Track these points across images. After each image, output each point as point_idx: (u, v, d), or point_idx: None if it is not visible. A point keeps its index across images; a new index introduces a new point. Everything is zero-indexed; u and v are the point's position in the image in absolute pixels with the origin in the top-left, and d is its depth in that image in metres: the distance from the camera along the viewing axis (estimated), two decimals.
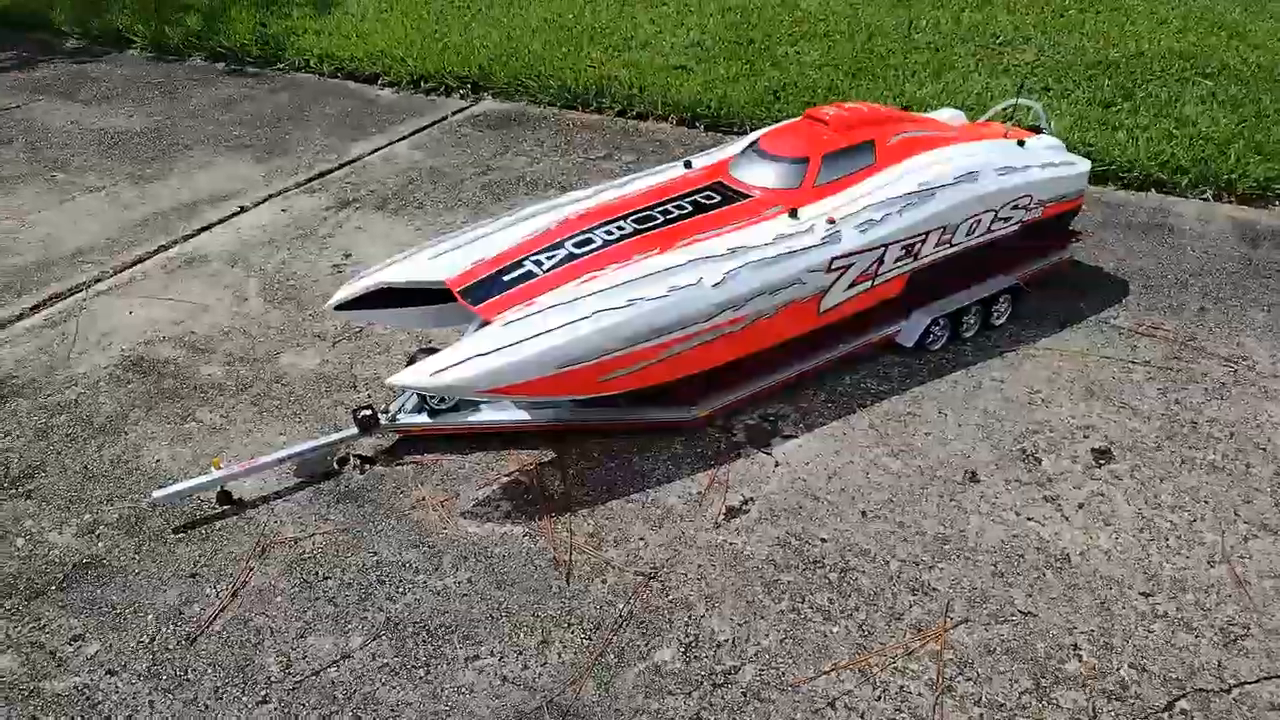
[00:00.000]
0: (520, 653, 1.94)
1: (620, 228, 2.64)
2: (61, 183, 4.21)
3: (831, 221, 2.62)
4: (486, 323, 2.36)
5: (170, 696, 1.86)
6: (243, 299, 3.25)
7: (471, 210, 3.80)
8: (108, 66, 5.77)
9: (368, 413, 2.45)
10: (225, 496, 2.35)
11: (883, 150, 2.83)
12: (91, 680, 1.90)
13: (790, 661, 1.91)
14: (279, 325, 3.08)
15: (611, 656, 1.93)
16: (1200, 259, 3.39)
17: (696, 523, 2.26)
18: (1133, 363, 2.83)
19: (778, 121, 3.20)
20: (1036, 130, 3.38)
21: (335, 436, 2.45)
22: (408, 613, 2.03)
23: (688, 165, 3.00)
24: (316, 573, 2.14)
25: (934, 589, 2.08)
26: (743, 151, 2.91)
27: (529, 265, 2.53)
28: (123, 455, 2.51)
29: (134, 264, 3.50)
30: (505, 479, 2.41)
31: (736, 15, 5.81)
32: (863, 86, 4.68)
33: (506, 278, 2.51)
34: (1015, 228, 2.98)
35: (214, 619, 2.03)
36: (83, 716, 1.83)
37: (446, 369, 2.22)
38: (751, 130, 3.68)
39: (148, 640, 1.98)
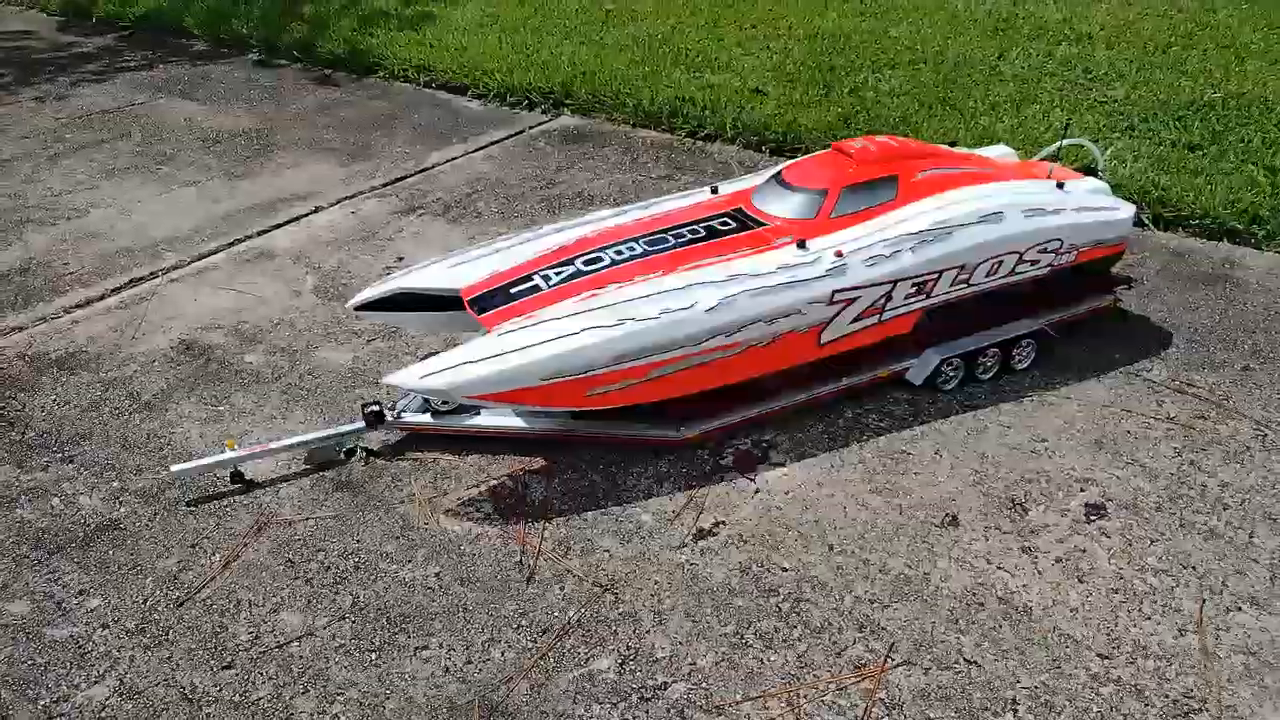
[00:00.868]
0: (467, 647, 2.04)
1: (631, 248, 2.72)
2: (164, 176, 4.57)
3: (839, 254, 2.63)
4: (488, 332, 2.48)
5: (149, 653, 2.04)
6: (296, 294, 3.47)
7: (525, 222, 3.94)
8: (227, 69, 6.21)
9: (375, 409, 2.60)
10: (238, 476, 2.53)
11: (906, 186, 2.82)
12: (86, 631, 2.10)
13: (721, 684, 1.95)
14: (323, 321, 3.28)
15: (551, 660, 2.01)
16: (1259, 315, 3.23)
17: (663, 540, 2.32)
18: (1155, 418, 2.73)
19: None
20: (1091, 172, 3.30)
21: (344, 429, 2.61)
22: (374, 599, 2.16)
23: (714, 191, 3.06)
24: (302, 554, 2.29)
25: (883, 628, 2.07)
26: (766, 181, 2.95)
27: (537, 280, 2.64)
28: (159, 430, 2.74)
29: (208, 255, 3.78)
30: (493, 482, 2.52)
31: (824, 41, 5.81)
32: (937, 118, 4.63)
33: (513, 290, 2.63)
34: (1044, 271, 2.91)
35: (203, 587, 2.20)
36: (71, 662, 2.02)
37: (436, 373, 2.35)
38: None
39: (142, 601, 2.17)
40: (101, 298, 3.48)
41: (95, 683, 1.98)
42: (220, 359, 3.08)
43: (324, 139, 5.01)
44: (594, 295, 2.53)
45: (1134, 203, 3.85)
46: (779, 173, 2.95)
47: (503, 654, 2.03)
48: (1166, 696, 1.92)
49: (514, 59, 5.69)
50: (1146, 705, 1.90)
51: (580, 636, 2.06)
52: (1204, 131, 4.42)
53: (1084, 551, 2.28)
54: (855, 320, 2.68)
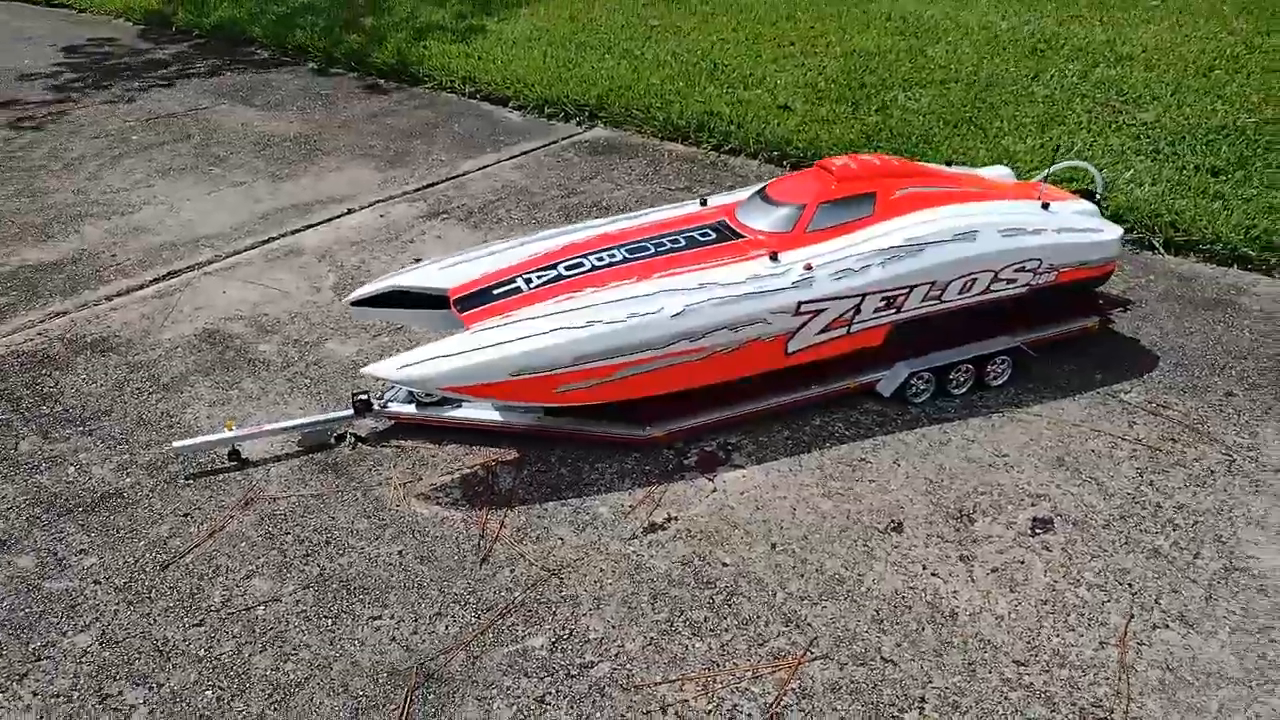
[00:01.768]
0: (416, 619, 2.20)
1: (612, 255, 2.86)
2: (214, 176, 4.87)
3: (809, 267, 2.73)
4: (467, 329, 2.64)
5: (131, 609, 2.24)
6: (316, 290, 3.70)
7: (542, 228, 4.09)
8: (287, 77, 6.55)
9: (364, 397, 2.79)
10: (235, 454, 2.74)
11: (884, 203, 2.90)
12: (80, 586, 2.31)
13: (644, 666, 2.07)
14: (336, 316, 3.49)
15: (490, 635, 2.15)
16: (1252, 342, 3.22)
17: (615, 532, 2.44)
18: (1123, 439, 2.76)
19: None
20: (1090, 194, 3.32)
21: (334, 415, 2.80)
22: (338, 571, 2.33)
23: (703, 203, 3.18)
24: (281, 527, 2.48)
25: (808, 624, 2.16)
26: (751, 195, 3.06)
27: (519, 282, 2.80)
28: (171, 410, 2.97)
29: (242, 251, 4.04)
30: (465, 470, 2.67)
31: (859, 59, 5.87)
32: (960, 136, 4.66)
33: (496, 291, 2.79)
34: (1023, 290, 2.96)
35: (188, 553, 2.40)
36: (63, 611, 2.23)
37: (412, 364, 2.52)
38: None
39: (132, 562, 2.38)
40: (140, 287, 3.75)
41: (81, 631, 2.19)
42: (237, 347, 3.31)
43: (367, 145, 5.26)
44: (569, 298, 2.68)
45: (1147, 226, 3.87)
46: (764, 187, 3.05)
47: (447, 627, 2.17)
48: (1074, 705, 1.97)
49: (555, 72, 5.88)
50: (1053, 711, 1.96)
51: (521, 615, 2.20)
52: (1230, 156, 4.36)
53: (1022, 563, 2.33)
54: (823, 331, 2.77)
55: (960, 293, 2.88)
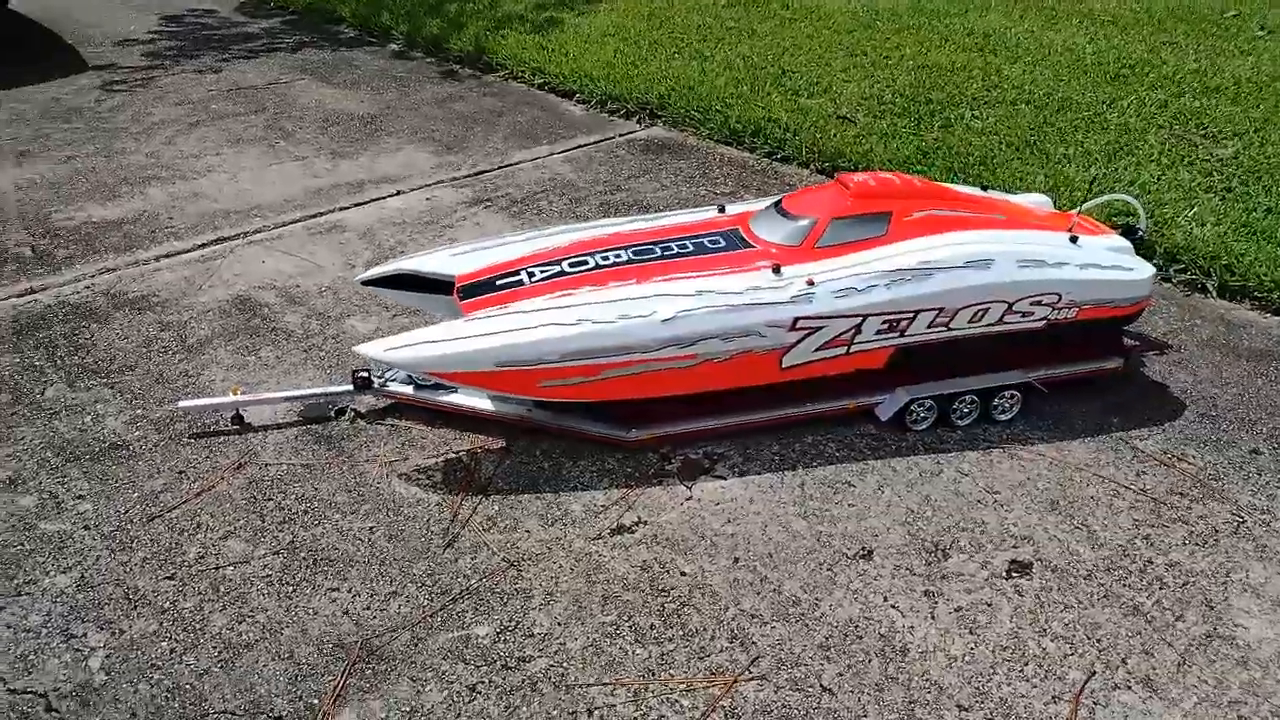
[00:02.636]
0: (372, 596, 2.25)
1: (618, 255, 2.87)
2: (279, 149, 5.04)
3: (811, 283, 2.69)
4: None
5: (112, 556, 2.35)
6: (350, 266, 3.80)
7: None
8: (368, 57, 6.72)
9: (365, 375, 2.86)
10: (238, 418, 2.84)
11: (899, 224, 2.84)
12: (70, 529, 2.44)
13: (580, 666, 2.08)
14: (364, 293, 3.58)
15: (439, 619, 2.19)
16: None
17: (582, 530, 2.46)
18: (1127, 488, 2.65)
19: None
20: (1132, 230, 3.20)
21: (334, 389, 2.88)
22: (309, 541, 2.40)
23: (721, 210, 3.16)
24: (265, 492, 2.57)
25: (754, 643, 2.14)
26: (767, 206, 3.03)
27: (523, 274, 2.83)
28: (190, 370, 3.10)
29: (288, 224, 4.17)
30: (451, 455, 2.72)
31: (932, 74, 5.74)
32: (1020, 160, 4.52)
33: (499, 282, 2.82)
34: (1038, 324, 2.86)
35: (175, 508, 2.51)
36: (51, 552, 2.35)
37: (399, 347, 2.57)
38: None
39: (122, 512, 2.49)
40: (188, 250, 3.91)
41: (63, 572, 2.30)
42: (264, 315, 3.42)
43: (429, 129, 5.38)
44: (565, 294, 2.69)
45: (1201, 268, 3.70)
46: (780, 199, 3.02)
47: (399, 607, 2.22)
48: None
49: (622, 68, 5.90)
50: None
51: (473, 602, 2.23)
52: None
53: (989, 605, 2.26)
54: (820, 349, 2.73)
55: (970, 322, 2.80)
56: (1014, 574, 2.35)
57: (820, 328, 2.68)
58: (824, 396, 2.84)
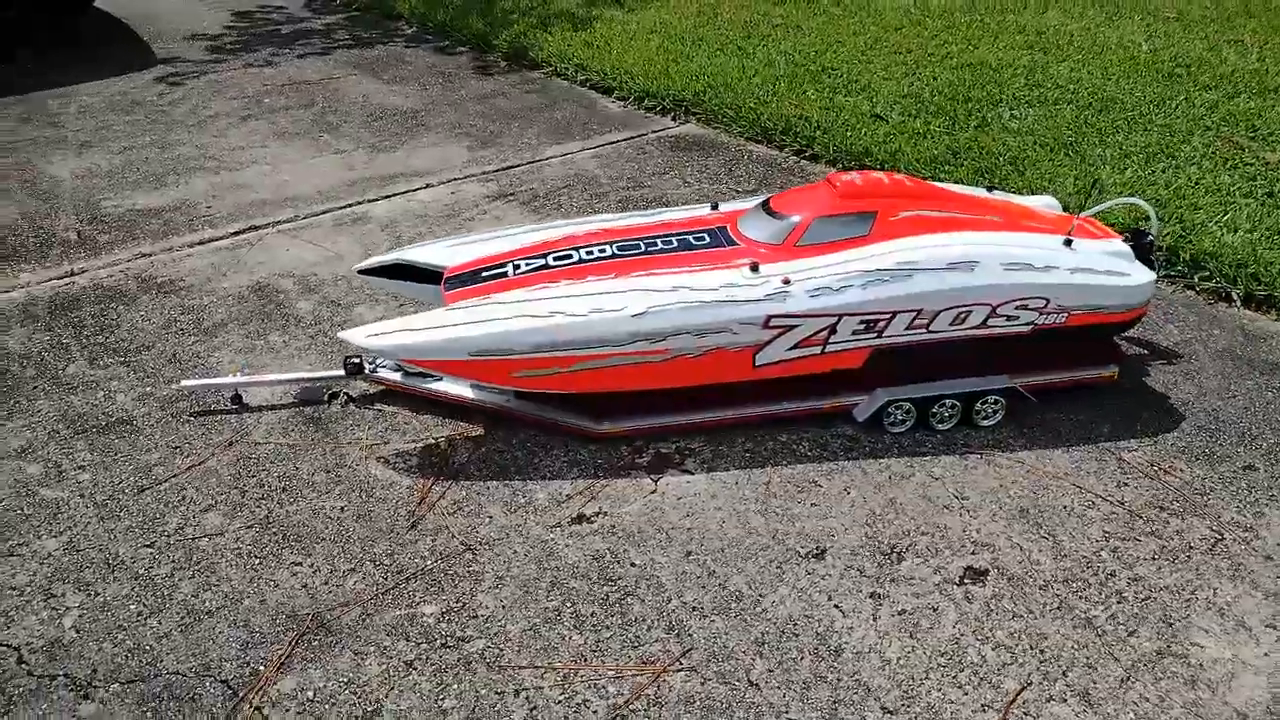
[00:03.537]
0: (332, 573, 2.35)
1: (602, 250, 2.92)
2: (322, 143, 5.22)
3: (786, 281, 2.70)
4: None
5: (101, 524, 2.50)
6: (368, 256, 3.91)
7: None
8: (421, 54, 6.89)
9: (356, 361, 2.97)
10: (237, 398, 2.98)
11: (883, 224, 2.82)
12: (67, 496, 2.60)
13: (516, 649, 2.14)
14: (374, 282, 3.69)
15: (390, 597, 2.27)
16: None
17: (542, 519, 2.52)
18: (1103, 499, 2.59)
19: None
20: (1141, 234, 3.11)
21: (330, 374, 3.00)
22: (283, 517, 2.52)
23: (714, 207, 3.18)
24: (249, 470, 2.69)
25: (690, 635, 2.17)
26: (755, 204, 3.04)
27: (508, 267, 2.90)
28: (202, 352, 3.26)
29: (317, 214, 4.33)
30: (430, 441, 2.81)
31: (975, 71, 5.63)
32: (1052, 162, 4.41)
33: (484, 274, 2.90)
34: (1025, 329, 2.81)
35: (164, 481, 2.65)
36: (46, 518, 2.52)
37: (380, 334, 2.67)
38: None
39: (116, 483, 2.65)
40: (220, 238, 4.10)
41: (53, 537, 2.46)
42: (279, 302, 3.57)
43: (468, 124, 5.50)
44: (544, 287, 2.76)
45: (1227, 276, 3.57)
46: (768, 198, 3.03)
47: (355, 583, 2.31)
48: None
49: (661, 65, 5.94)
50: None
51: (425, 582, 2.31)
52: None
53: (934, 610, 2.24)
54: (794, 348, 2.73)
55: (952, 324, 2.76)
56: (967, 580, 2.32)
57: (794, 326, 2.68)
58: (801, 395, 2.83)
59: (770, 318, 2.66)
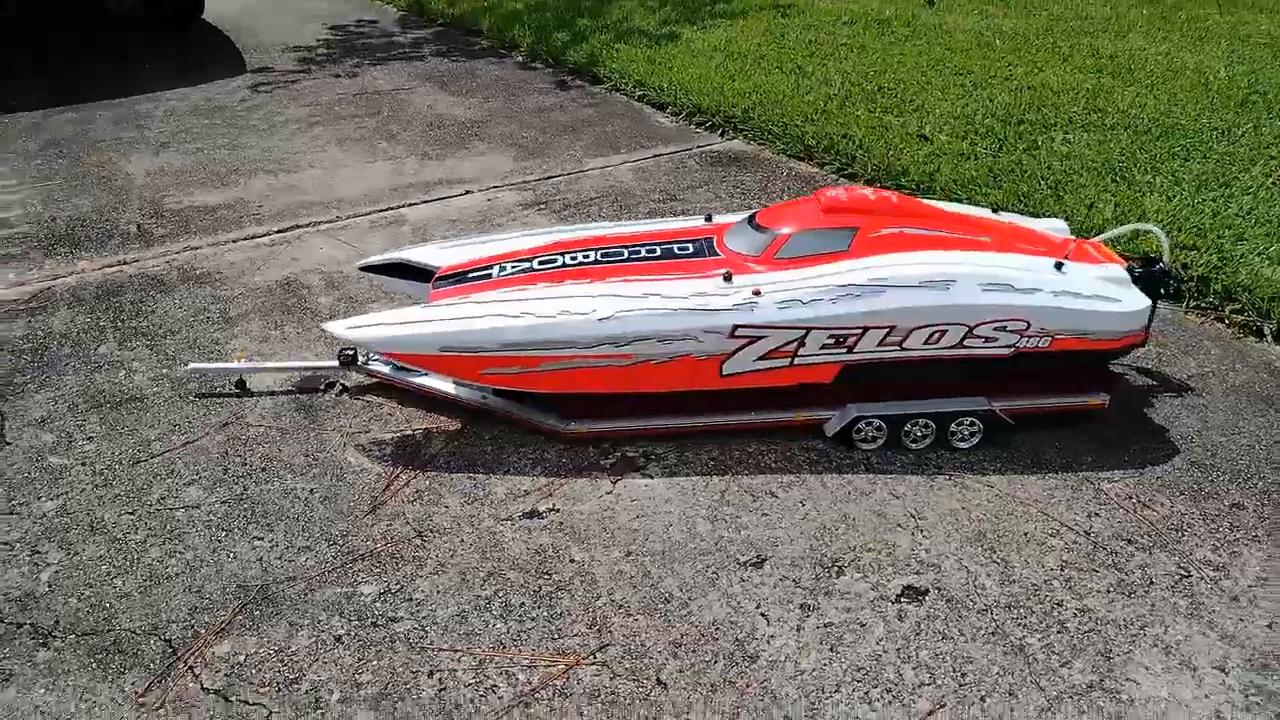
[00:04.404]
0: (287, 548, 2.47)
1: (586, 256, 2.99)
2: (379, 150, 5.46)
3: (757, 293, 2.71)
4: None
5: (94, 490, 2.69)
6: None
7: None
8: (491, 67, 7.12)
9: (350, 353, 3.11)
10: (241, 384, 3.16)
11: (863, 240, 2.81)
12: (71, 464, 2.80)
13: (440, 633, 2.21)
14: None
15: (335, 575, 2.38)
16: None
17: (496, 512, 2.59)
18: (1069, 528, 2.51)
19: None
20: (1153, 261, 3.01)
21: (323, 364, 3.15)
22: (256, 494, 2.66)
23: (708, 219, 3.21)
24: (236, 449, 2.85)
25: (610, 631, 2.21)
26: (743, 217, 3.06)
27: (494, 269, 3.00)
28: (221, 339, 3.46)
29: (356, 216, 4.53)
30: (408, 432, 2.92)
31: (1034, 94, 5.50)
32: (1098, 186, 4.27)
33: (471, 275, 3.01)
34: (1005, 351, 2.75)
35: (157, 456, 2.83)
36: (48, 481, 2.72)
37: (359, 326, 2.80)
38: None
39: (115, 455, 2.84)
40: (263, 235, 4.33)
41: (50, 500, 2.66)
42: (301, 296, 3.76)
43: (520, 135, 5.66)
44: (522, 289, 2.84)
45: (1260, 310, 3.41)
46: (755, 211, 3.05)
47: (307, 560, 2.43)
48: None
49: (717, 82, 5.99)
50: None
51: (370, 564, 2.41)
52: None
53: (861, 625, 2.22)
54: (761, 359, 2.74)
55: (926, 343, 2.73)
56: (903, 599, 2.29)
57: (761, 337, 2.69)
58: (773, 407, 2.84)
59: (736, 327, 2.67)
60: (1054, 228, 3.20)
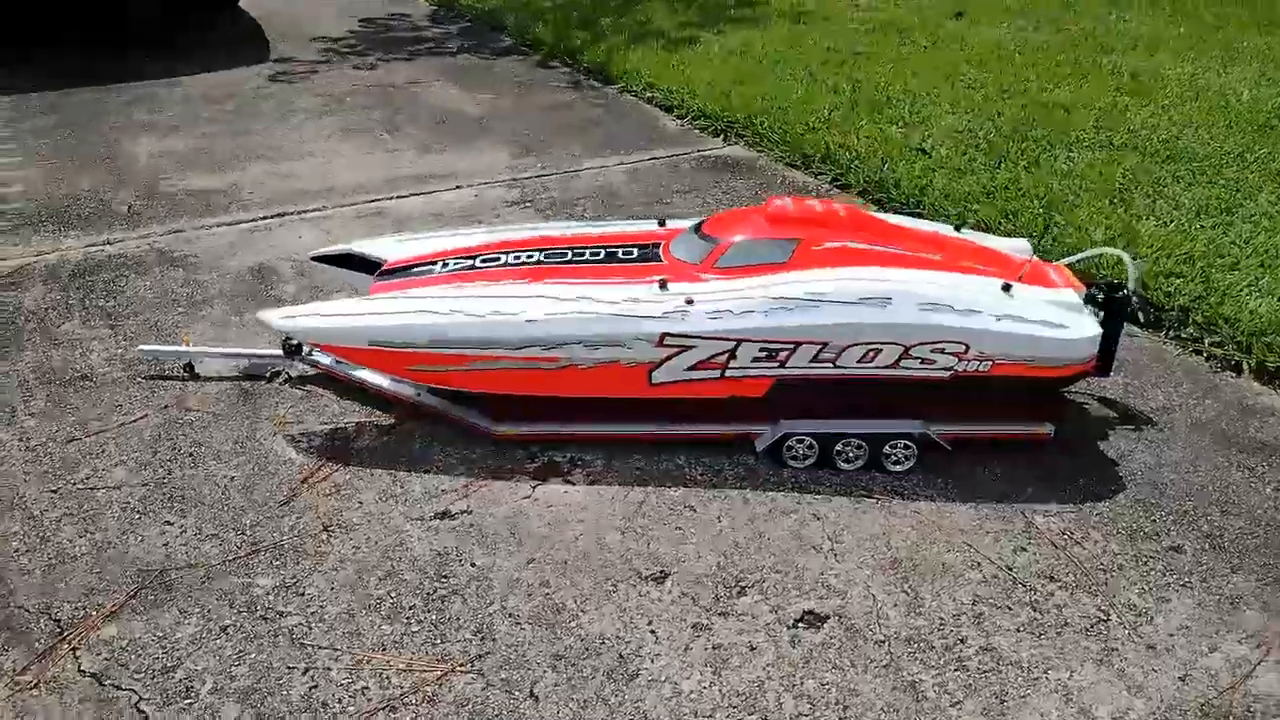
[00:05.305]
0: (195, 535, 2.48)
1: (530, 256, 2.96)
2: (380, 141, 5.49)
3: (690, 301, 2.66)
4: None
5: (25, 465, 2.72)
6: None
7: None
8: (510, 65, 7.13)
9: (294, 343, 3.11)
10: (189, 368, 3.18)
11: (804, 252, 2.75)
12: (7, 439, 2.84)
13: (325, 630, 2.20)
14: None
15: (235, 565, 2.38)
16: (1265, 502, 2.65)
17: (409, 511, 2.57)
18: (991, 561, 2.42)
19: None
20: (1118, 288, 2.89)
21: (268, 353, 3.16)
22: (178, 479, 2.67)
23: (661, 223, 3.16)
24: (168, 434, 2.87)
25: (494, 640, 2.17)
26: (691, 224, 3.01)
27: (438, 265, 2.98)
28: (182, 322, 3.49)
29: (343, 206, 4.56)
30: (339, 424, 2.92)
31: (1044, 110, 5.35)
32: (1092, 209, 4.14)
33: (414, 270, 2.99)
34: (943, 374, 2.67)
35: (92, 435, 2.86)
36: (28, 457, 2.77)
37: (292, 316, 2.80)
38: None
39: (54, 431, 2.87)
40: (247, 221, 4.37)
41: None
42: (270, 283, 3.79)
43: (522, 132, 5.65)
44: (459, 286, 2.82)
45: (1242, 345, 3.28)
46: (703, 219, 2.99)
47: (211, 548, 2.43)
48: None
49: (725, 86, 5.92)
50: None
51: (273, 555, 2.41)
52: None
53: (751, 649, 2.16)
54: (691, 369, 2.68)
55: (860, 361, 2.65)
56: (801, 624, 2.22)
57: (690, 347, 2.64)
58: (707, 419, 2.78)
59: (665, 335, 2.62)
60: (1016, 248, 3.09)
